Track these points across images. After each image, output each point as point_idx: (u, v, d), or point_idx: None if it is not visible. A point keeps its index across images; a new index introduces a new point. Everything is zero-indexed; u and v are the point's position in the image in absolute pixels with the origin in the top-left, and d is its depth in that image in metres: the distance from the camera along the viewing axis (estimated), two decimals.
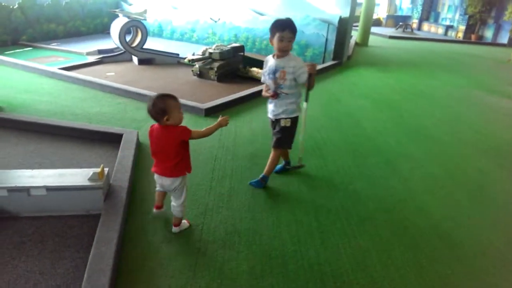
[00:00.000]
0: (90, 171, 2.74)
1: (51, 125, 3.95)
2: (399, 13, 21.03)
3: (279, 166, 3.53)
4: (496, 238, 2.76)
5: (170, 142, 2.32)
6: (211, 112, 4.91)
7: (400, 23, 18.29)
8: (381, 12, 21.08)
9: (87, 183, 2.65)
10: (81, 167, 3.32)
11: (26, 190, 2.58)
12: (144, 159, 3.60)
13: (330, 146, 4.22)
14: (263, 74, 3.15)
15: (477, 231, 2.84)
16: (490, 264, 2.49)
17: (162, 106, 2.24)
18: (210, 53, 6.65)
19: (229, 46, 7.08)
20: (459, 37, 16.46)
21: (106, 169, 2.82)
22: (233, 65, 6.92)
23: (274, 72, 3.01)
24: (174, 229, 2.59)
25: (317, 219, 2.85)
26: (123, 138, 3.72)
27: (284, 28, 2.86)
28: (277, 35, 2.89)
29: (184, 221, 2.66)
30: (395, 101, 6.21)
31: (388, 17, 19.93)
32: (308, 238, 2.64)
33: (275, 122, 3.23)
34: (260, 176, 3.27)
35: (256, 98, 5.76)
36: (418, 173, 3.71)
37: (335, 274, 2.31)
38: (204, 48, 8.00)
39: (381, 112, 5.50)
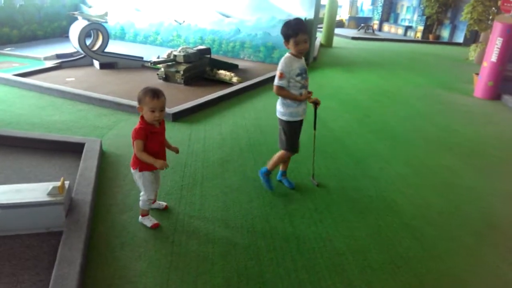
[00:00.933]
0: (49, 185, 2.55)
1: (4, 136, 3.67)
2: (360, 15, 21.58)
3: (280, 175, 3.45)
4: (466, 235, 2.82)
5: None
6: (178, 116, 4.76)
7: (362, 24, 18.77)
8: (343, 14, 21.54)
9: (46, 198, 2.46)
10: (40, 181, 3.11)
11: None
12: (109, 169, 3.42)
13: (302, 148, 4.19)
14: (285, 76, 2.91)
15: (448, 228, 2.89)
16: (462, 261, 2.53)
17: (138, 96, 2.42)
18: (175, 56, 6.49)
19: (195, 48, 6.94)
20: (418, 37, 17.10)
21: (66, 182, 2.64)
22: (199, 67, 6.79)
23: (306, 71, 3.01)
24: (139, 218, 2.71)
25: (291, 224, 2.81)
26: (85, 148, 3.52)
27: (297, 33, 2.81)
28: (292, 41, 2.84)
29: (148, 219, 2.67)
30: (361, 101, 6.32)
31: (350, 18, 20.41)
32: (283, 244, 2.58)
33: (301, 122, 3.18)
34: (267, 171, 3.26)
35: (225, 101, 5.68)
36: (387, 172, 3.76)
37: (313, 280, 2.26)
38: (169, 51, 7.81)
39: (347, 113, 5.57)
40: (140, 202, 2.64)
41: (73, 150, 3.60)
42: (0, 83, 5.74)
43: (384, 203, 3.18)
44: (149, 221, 2.68)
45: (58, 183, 2.54)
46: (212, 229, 2.70)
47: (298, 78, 2.95)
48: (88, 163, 3.24)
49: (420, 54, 12.40)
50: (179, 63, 6.49)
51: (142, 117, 2.46)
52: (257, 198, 3.13)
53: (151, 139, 2.46)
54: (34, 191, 2.52)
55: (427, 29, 16.84)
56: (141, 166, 2.50)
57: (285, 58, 2.95)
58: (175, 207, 2.94)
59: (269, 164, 3.27)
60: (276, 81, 2.97)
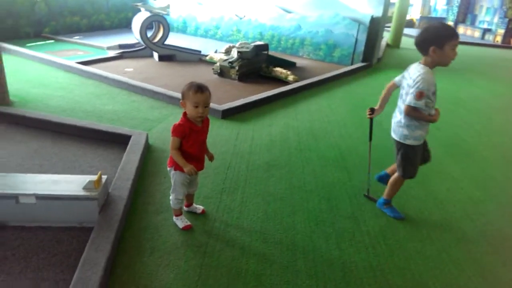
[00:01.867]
0: (86, 179, 2.47)
1: (56, 122, 3.73)
2: (433, 15, 20.08)
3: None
4: None
5: None
6: (228, 114, 4.58)
7: None
8: (414, 13, 20.19)
9: (81, 192, 2.38)
10: (82, 171, 3.08)
11: (15, 197, 2.33)
12: (152, 164, 3.31)
13: (356, 158, 3.81)
14: (425, 95, 2.41)
15: None
16: None
17: (182, 90, 2.29)
18: (238, 52, 6.27)
19: (252, 44, 6.74)
20: (497, 41, 15.50)
21: (104, 177, 2.54)
22: (255, 64, 6.58)
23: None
24: (173, 218, 2.57)
25: (338, 247, 2.47)
26: (131, 140, 3.45)
27: (456, 34, 2.38)
28: (450, 44, 2.36)
29: (180, 220, 2.53)
30: None
31: (422, 18, 19.04)
32: (326, 269, 2.26)
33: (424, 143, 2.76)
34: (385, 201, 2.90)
35: (278, 100, 5.41)
36: (456, 194, 3.25)
37: None
38: (227, 45, 7.72)
39: None
40: (171, 202, 2.50)
41: (120, 141, 3.56)
42: (64, 70, 5.98)
43: (450, 232, 2.73)
44: (181, 222, 2.53)
45: (95, 177, 2.45)
46: (249, 242, 2.45)
47: (433, 98, 2.48)
48: (131, 157, 3.15)
49: (499, 60, 11.16)
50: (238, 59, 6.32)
51: (184, 114, 2.31)
52: (301, 211, 2.83)
53: (190, 138, 2.29)
54: (71, 184, 2.45)
55: (509, 33, 15.17)
56: (176, 165, 2.35)
57: (425, 73, 2.42)
58: (213, 212, 2.73)
59: (387, 193, 2.89)
60: (412, 101, 2.44)
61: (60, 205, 2.36)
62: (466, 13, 18.22)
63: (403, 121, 2.60)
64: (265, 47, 6.88)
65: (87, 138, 3.65)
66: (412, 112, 2.50)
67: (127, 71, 6.25)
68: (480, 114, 5.71)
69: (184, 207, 2.69)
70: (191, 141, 2.31)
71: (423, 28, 2.54)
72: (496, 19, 16.08)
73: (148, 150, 3.54)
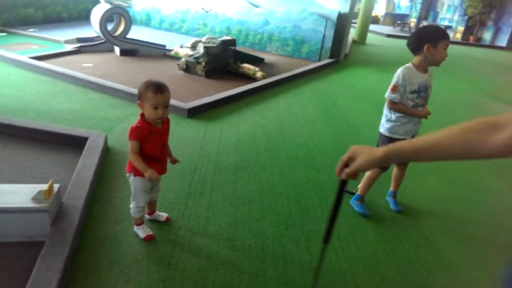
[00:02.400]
0: (36, 188, 2.25)
1: (5, 124, 3.42)
2: (397, 11, 20.60)
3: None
4: None
5: None
6: (195, 112, 4.41)
7: (398, 22, 17.90)
8: (379, 10, 20.62)
9: (30, 204, 2.16)
10: (34, 178, 2.84)
11: None
12: (112, 168, 3.10)
13: (325, 157, 3.77)
14: (399, 90, 2.59)
15: None
16: None
17: (139, 90, 2.10)
18: (204, 47, 6.08)
19: (219, 39, 6.57)
20: (457, 38, 16.13)
21: (56, 186, 2.33)
22: (223, 60, 6.41)
23: (427, 89, 2.67)
24: (134, 227, 2.39)
25: (308, 251, 2.40)
26: (87, 143, 3.22)
27: (449, 36, 2.54)
28: (442, 43, 2.49)
29: (142, 229, 2.35)
30: None
31: (386, 15, 19.52)
32: (297, 276, 2.19)
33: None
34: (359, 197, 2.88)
35: (246, 98, 5.29)
36: (423, 192, 3.28)
37: None
38: (193, 40, 7.48)
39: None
40: (131, 210, 2.32)
41: (76, 144, 3.31)
42: (16, 66, 5.55)
43: (417, 230, 2.73)
44: (142, 232, 2.36)
45: (46, 186, 2.23)
46: (216, 251, 2.33)
47: (412, 96, 2.61)
48: (88, 161, 2.94)
49: (460, 57, 11.58)
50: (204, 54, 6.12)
51: (142, 115, 2.13)
52: (271, 215, 2.74)
53: (150, 141, 2.13)
54: (18, 194, 2.22)
55: (468, 30, 15.83)
56: (136, 170, 2.18)
57: (405, 68, 2.62)
58: (177, 219, 2.58)
59: (361, 189, 2.87)
60: (386, 93, 2.66)
61: (6, 218, 2.13)
62: (429, 10, 18.82)
63: (384, 111, 2.78)
64: (233, 42, 6.73)
65: (40, 141, 3.37)
66: (391, 105, 2.66)
67: (86, 66, 5.91)
68: (444, 110, 5.85)
69: (146, 215, 2.52)
70: (151, 143, 2.15)
71: (417, 30, 2.71)
72: (456, 17, 16.71)
73: (107, 153, 3.32)
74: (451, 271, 2.36)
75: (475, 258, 2.52)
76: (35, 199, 2.18)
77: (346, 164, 1.07)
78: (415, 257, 2.46)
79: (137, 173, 2.18)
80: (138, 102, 2.12)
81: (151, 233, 2.36)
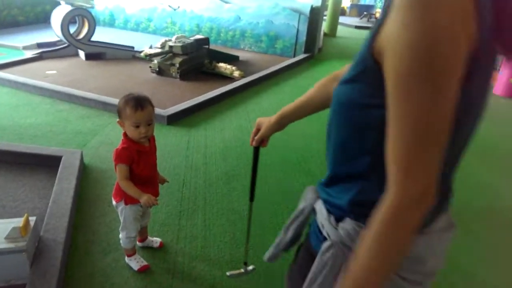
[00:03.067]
0: (9, 225, 1.94)
1: None
2: (362, 2, 20.83)
3: None
4: None
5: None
6: (174, 119, 4.14)
7: (364, 13, 18.07)
8: (344, 1, 20.77)
9: (4, 244, 1.86)
10: (3, 207, 2.52)
11: None
12: (91, 190, 2.81)
13: (317, 159, 3.62)
14: None
15: None
16: None
17: (118, 107, 1.84)
18: (171, 46, 5.81)
19: (192, 38, 6.26)
20: None
21: (32, 219, 2.03)
22: (197, 60, 6.12)
23: None
24: (125, 258, 2.16)
25: None
26: (61, 162, 2.90)
27: None
28: None
29: (135, 260, 2.13)
30: None
31: (352, 6, 19.67)
32: None
33: None
34: None
35: (226, 99, 5.05)
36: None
37: None
38: (163, 39, 7.12)
39: None
40: (121, 240, 2.09)
41: (48, 164, 2.98)
42: None
43: None
44: (135, 263, 2.12)
45: (20, 222, 1.93)
46: (220, 277, 2.12)
47: None
48: (64, 185, 2.62)
49: None
50: (174, 55, 5.81)
51: (125, 134, 1.87)
52: (272, 230, 2.55)
53: (140, 162, 1.88)
54: None
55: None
56: (127, 198, 1.93)
57: None
58: (173, 243, 2.35)
59: None
60: None
61: None
62: None
63: None
64: (206, 41, 6.45)
65: (7, 162, 3.01)
66: None
67: (49, 74, 5.46)
68: None
69: (138, 243, 2.27)
70: (142, 165, 1.90)
71: None
72: None
73: (83, 172, 3.01)
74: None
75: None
76: (9, 237, 1.88)
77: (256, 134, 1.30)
78: None
79: (128, 200, 1.92)
80: (118, 120, 1.86)
81: (145, 263, 2.13)
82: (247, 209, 2.69)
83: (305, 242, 1.02)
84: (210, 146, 3.68)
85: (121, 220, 2.01)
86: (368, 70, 0.69)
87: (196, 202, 2.78)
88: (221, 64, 6.16)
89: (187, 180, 3.05)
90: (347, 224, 0.80)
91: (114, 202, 1.99)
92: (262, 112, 4.73)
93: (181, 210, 2.67)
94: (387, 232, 0.66)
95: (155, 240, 2.31)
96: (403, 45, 0.59)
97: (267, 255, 1.12)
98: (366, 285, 0.69)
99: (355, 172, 0.79)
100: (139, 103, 1.78)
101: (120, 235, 2.06)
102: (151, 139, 1.97)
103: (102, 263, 2.14)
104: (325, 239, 0.85)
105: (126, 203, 1.94)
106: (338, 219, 0.83)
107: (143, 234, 2.25)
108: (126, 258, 2.14)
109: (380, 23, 0.66)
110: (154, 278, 2.07)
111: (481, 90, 0.70)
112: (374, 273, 0.68)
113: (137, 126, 1.79)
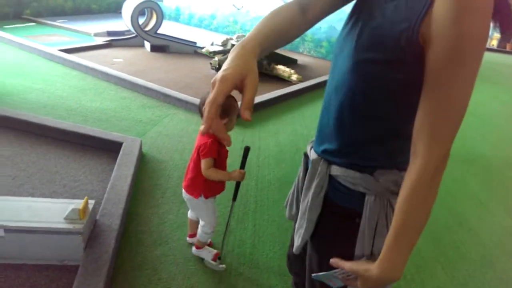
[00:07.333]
0: (68, 205, 1.99)
1: (34, 123, 3.20)
2: None
3: None
4: None
5: (196, 149, 1.90)
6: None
7: None
8: None
9: (62, 224, 1.91)
10: (64, 186, 2.60)
11: None
12: (148, 179, 2.84)
13: None
14: None
15: None
16: None
17: (230, 103, 1.76)
18: (233, 45, 5.83)
19: None
20: (492, 45, 15.40)
21: (91, 202, 2.08)
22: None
23: None
24: (193, 250, 2.18)
25: None
26: (122, 149, 2.97)
27: None
28: None
29: (206, 251, 2.15)
30: None
31: None
32: None
33: None
34: None
35: (283, 103, 4.98)
36: (490, 224, 2.91)
37: None
38: (224, 37, 7.20)
39: None
40: (202, 234, 2.10)
41: (109, 149, 3.07)
42: (45, 58, 5.38)
43: (491, 272, 2.38)
44: (207, 253, 2.15)
45: (80, 204, 1.98)
46: (268, 286, 2.04)
47: None
48: (123, 171, 2.68)
49: (498, 65, 10.97)
50: None
51: None
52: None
53: (220, 156, 1.93)
54: (49, 211, 1.97)
55: (505, 38, 15.08)
56: (206, 192, 1.96)
57: None
58: (221, 245, 2.30)
59: None
60: None
61: (36, 239, 1.89)
62: None
63: None
64: None
65: (71, 143, 3.14)
66: None
67: (116, 62, 5.69)
68: (490, 123, 5.41)
69: (188, 238, 2.27)
70: (220, 159, 1.93)
71: None
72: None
73: (141, 161, 3.06)
74: None
75: None
76: (68, 218, 1.93)
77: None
78: None
79: (207, 194, 1.95)
80: (226, 118, 1.85)
81: (215, 250, 2.17)
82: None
83: (323, 210, 1.02)
84: (264, 149, 3.61)
85: (200, 215, 2.07)
86: (408, 52, 0.75)
87: (247, 205, 2.73)
88: (280, 67, 6.09)
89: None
90: (385, 175, 0.90)
91: (193, 199, 1.97)
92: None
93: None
94: (424, 193, 0.77)
95: None
96: (460, 38, 0.68)
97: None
98: (409, 244, 0.80)
99: (370, 137, 0.91)
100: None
101: (203, 229, 2.07)
102: None
103: (151, 255, 2.13)
104: (362, 194, 0.92)
105: (205, 197, 1.95)
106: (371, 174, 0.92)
107: (194, 228, 2.23)
108: (195, 250, 2.16)
109: (425, 11, 0.71)
110: (201, 279, 2.03)
111: None
112: (416, 232, 0.80)
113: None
